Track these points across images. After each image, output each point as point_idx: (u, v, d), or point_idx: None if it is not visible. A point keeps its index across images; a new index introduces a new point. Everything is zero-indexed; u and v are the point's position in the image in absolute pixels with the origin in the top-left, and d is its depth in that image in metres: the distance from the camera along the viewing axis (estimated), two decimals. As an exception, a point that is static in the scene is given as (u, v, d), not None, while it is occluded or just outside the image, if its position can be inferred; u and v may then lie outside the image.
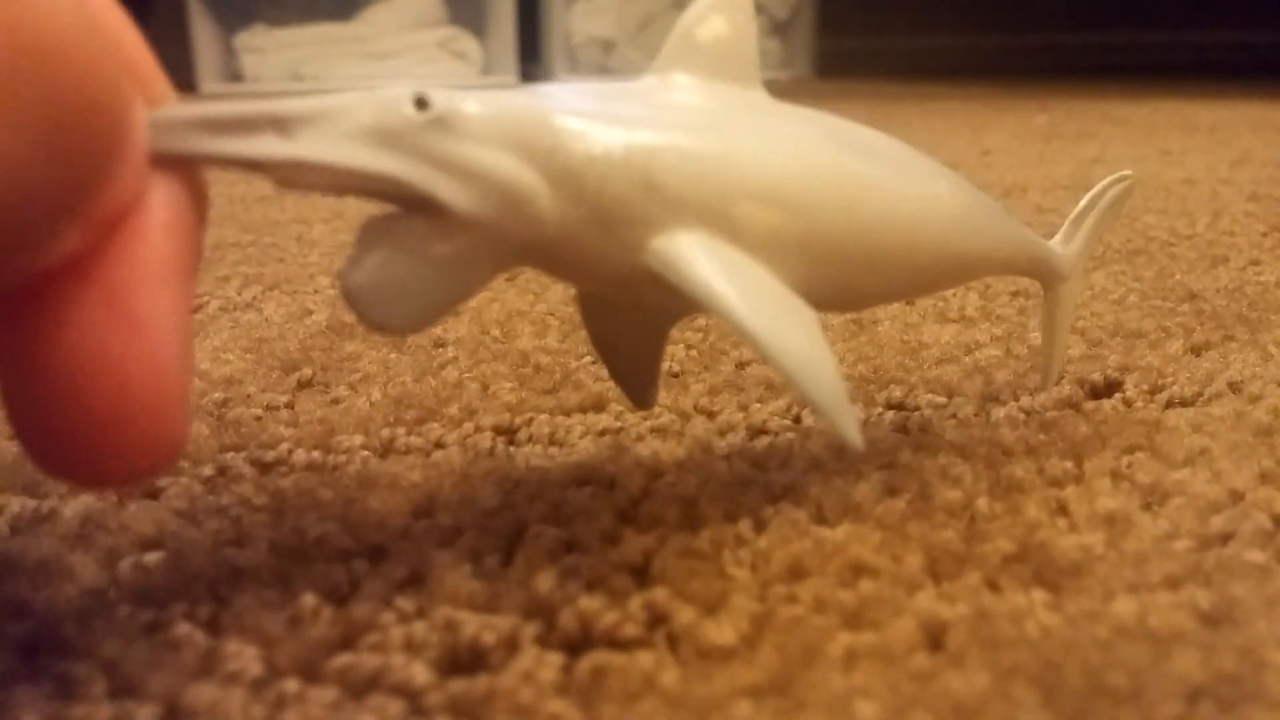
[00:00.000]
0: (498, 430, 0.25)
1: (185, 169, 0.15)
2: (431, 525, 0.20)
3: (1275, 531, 0.20)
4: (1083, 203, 0.27)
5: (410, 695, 0.15)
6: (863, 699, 0.15)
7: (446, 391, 0.27)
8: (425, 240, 0.16)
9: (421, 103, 0.15)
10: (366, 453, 0.24)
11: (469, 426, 0.25)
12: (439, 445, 0.24)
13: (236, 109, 0.15)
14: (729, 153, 0.18)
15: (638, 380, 0.23)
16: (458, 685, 0.15)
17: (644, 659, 0.16)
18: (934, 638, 0.17)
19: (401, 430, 0.25)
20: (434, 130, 0.16)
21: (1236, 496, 0.21)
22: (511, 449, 0.24)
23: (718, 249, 0.17)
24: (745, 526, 0.20)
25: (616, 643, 0.16)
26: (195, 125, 0.15)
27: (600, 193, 0.16)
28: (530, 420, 0.25)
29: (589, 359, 0.30)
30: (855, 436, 0.17)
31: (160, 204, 0.15)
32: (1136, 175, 0.28)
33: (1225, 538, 0.20)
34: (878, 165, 0.20)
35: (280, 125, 0.15)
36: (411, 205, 0.16)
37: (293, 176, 0.15)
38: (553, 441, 0.24)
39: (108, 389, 0.14)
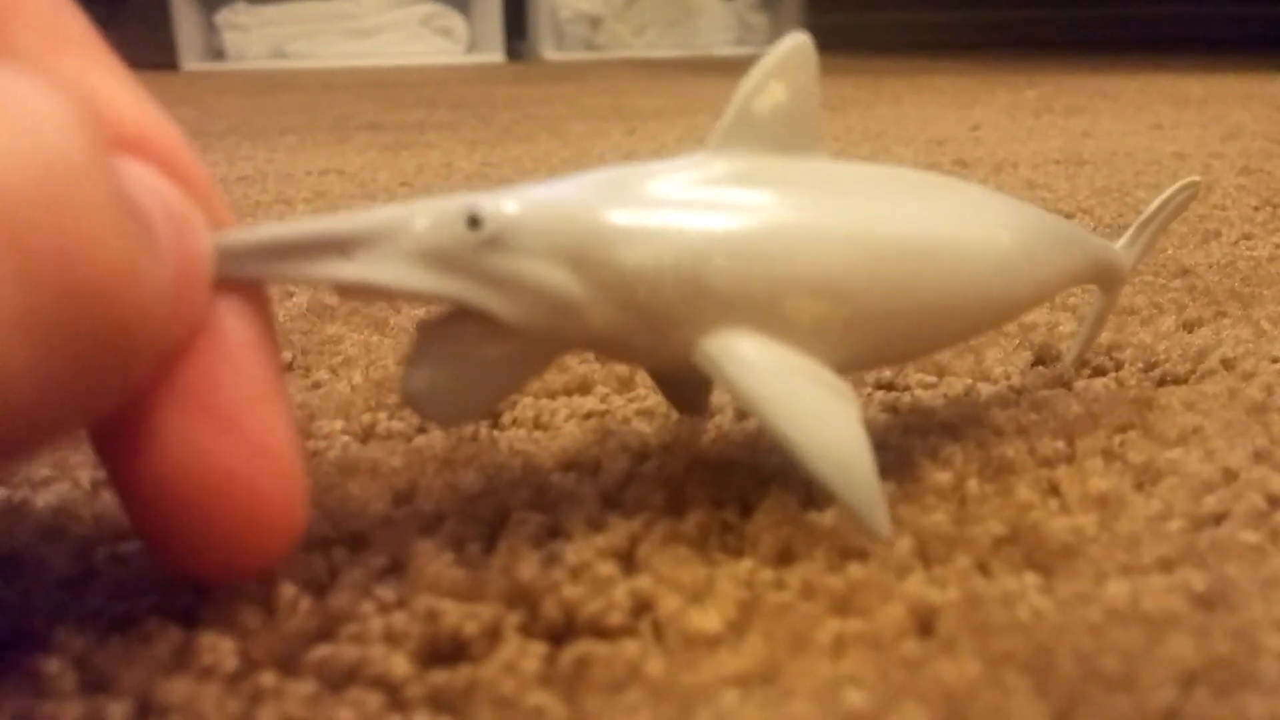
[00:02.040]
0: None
1: (251, 287, 0.16)
2: (413, 512, 0.20)
3: (1270, 511, 0.19)
4: (1153, 206, 0.26)
5: (390, 688, 0.15)
6: (852, 687, 0.15)
7: (429, 374, 0.27)
8: (479, 344, 0.17)
9: (475, 220, 0.16)
10: (347, 438, 0.23)
11: (452, 410, 0.25)
12: (421, 430, 0.24)
13: (297, 231, 0.16)
14: (780, 247, 0.18)
15: (690, 396, 0.23)
16: (438, 677, 0.15)
17: (629, 648, 0.16)
18: (924, 623, 0.16)
19: (383, 415, 0.24)
20: (487, 249, 0.16)
21: (1230, 476, 0.21)
22: (495, 433, 0.24)
23: (762, 347, 0.17)
24: (732, 511, 0.19)
25: (601, 631, 0.16)
26: (260, 251, 0.16)
27: (650, 301, 0.17)
28: (515, 404, 0.25)
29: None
30: (883, 529, 0.17)
31: (237, 325, 0.16)
32: (1126, 149, 0.28)
33: (1219, 518, 0.19)
34: (938, 226, 0.19)
35: (341, 247, 0.16)
36: (466, 309, 0.17)
37: (356, 293, 0.16)
38: (537, 425, 0.24)
39: (242, 503, 0.15)
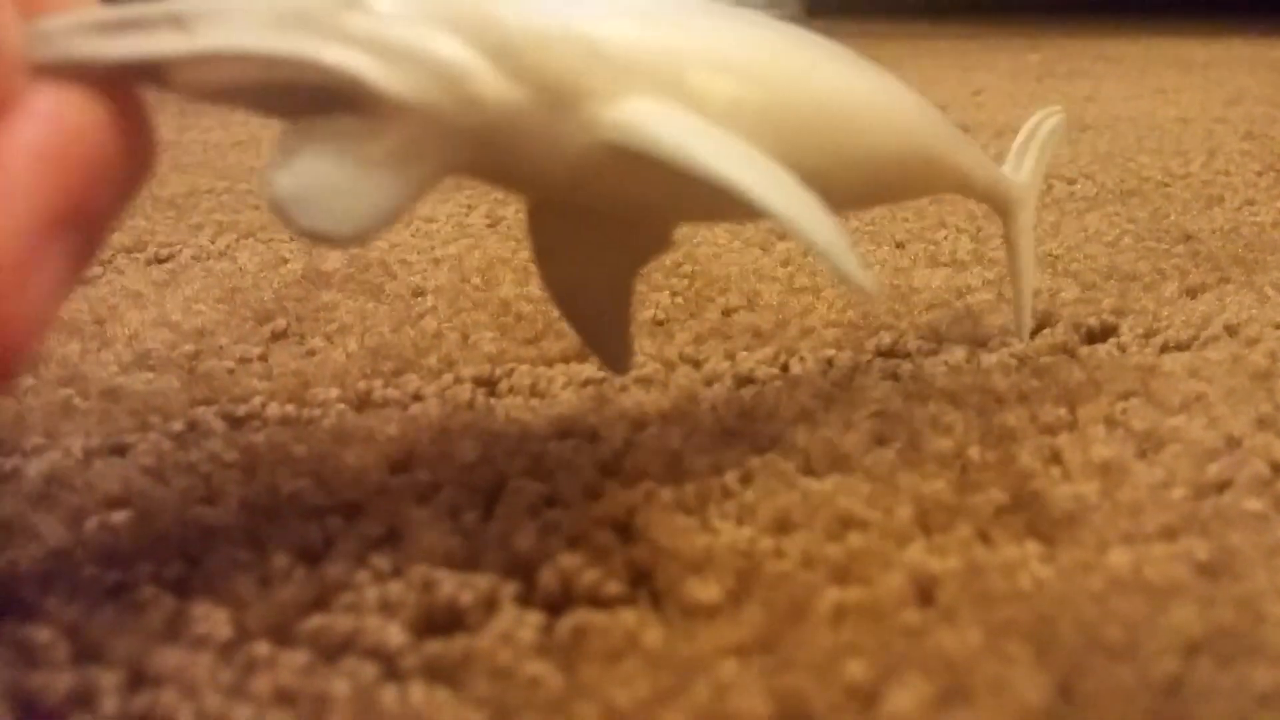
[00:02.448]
0: (478, 382, 0.24)
1: (101, 98, 0.14)
2: (409, 481, 0.19)
3: (1273, 478, 0.19)
4: (1021, 135, 0.26)
5: (385, 657, 0.15)
6: (852, 656, 0.14)
7: (425, 342, 0.27)
8: (356, 137, 0.14)
9: None
10: (342, 406, 0.23)
11: (448, 378, 0.24)
12: (417, 398, 0.24)
13: (129, 10, 0.14)
14: (680, 23, 0.17)
15: (607, 338, 0.21)
16: (434, 646, 0.15)
17: (626, 618, 0.15)
18: (924, 592, 0.16)
19: (378, 382, 0.24)
20: (352, 11, 0.14)
21: (1234, 443, 0.21)
22: (492, 401, 0.24)
23: (678, 113, 0.16)
24: (731, 479, 0.19)
25: (598, 601, 0.16)
26: (83, 29, 0.14)
27: (543, 65, 0.15)
28: (511, 371, 0.25)
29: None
30: (863, 276, 0.15)
31: (31, 128, 0.13)
32: (1129, 114, 0.28)
33: (1222, 485, 0.19)
34: (834, 58, 0.19)
35: (179, 22, 0.14)
36: (337, 104, 0.14)
37: (199, 78, 0.14)
38: (534, 393, 0.24)
39: None
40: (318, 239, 0.14)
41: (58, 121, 0.13)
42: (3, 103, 0.13)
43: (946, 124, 0.22)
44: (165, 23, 0.14)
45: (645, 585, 0.16)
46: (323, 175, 0.14)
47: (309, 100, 0.14)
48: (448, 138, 0.15)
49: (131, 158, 0.14)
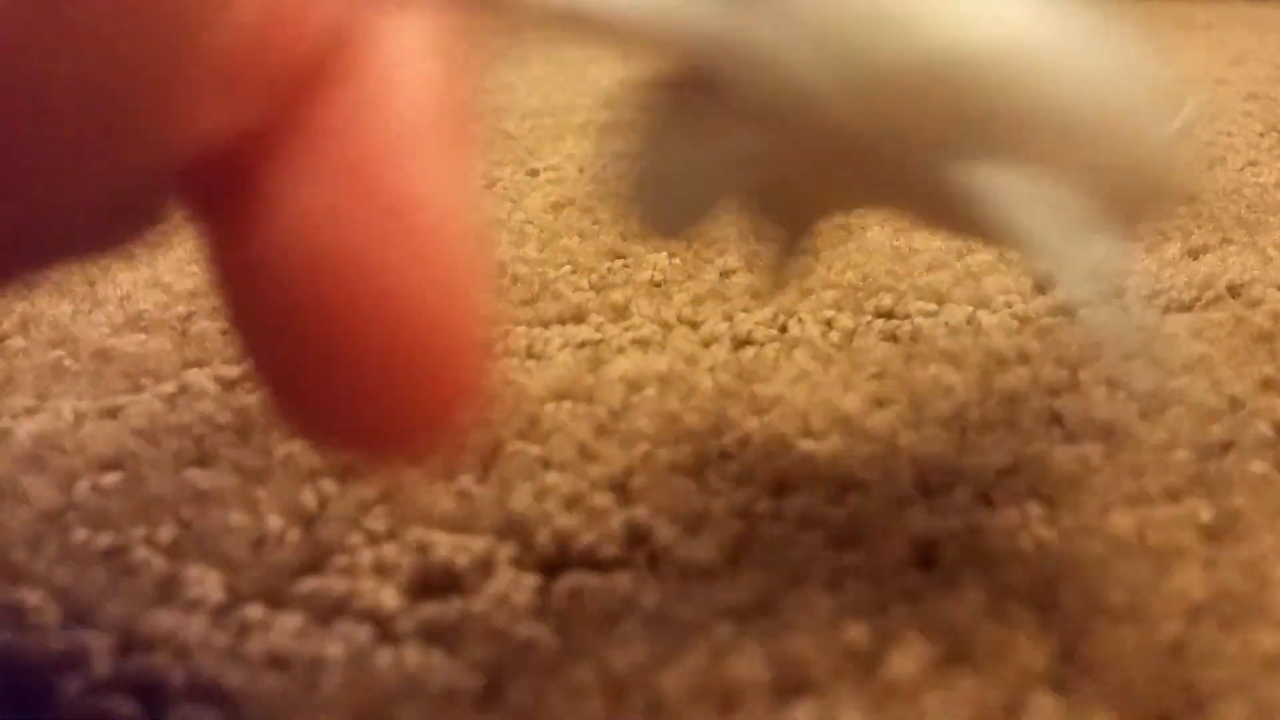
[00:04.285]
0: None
1: None
2: (403, 442, 0.19)
3: (1277, 440, 0.19)
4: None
5: (379, 620, 0.15)
6: (851, 620, 0.14)
7: (420, 303, 0.26)
8: (708, 135, 0.13)
9: None
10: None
11: (443, 339, 0.24)
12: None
13: None
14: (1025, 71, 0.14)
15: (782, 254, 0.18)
16: (429, 609, 0.15)
17: (623, 580, 0.15)
18: (925, 555, 0.16)
19: (372, 343, 0.24)
20: None
21: (1237, 404, 0.20)
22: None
23: (1019, 182, 0.14)
24: (729, 441, 0.19)
25: (595, 563, 0.16)
26: None
27: (898, 105, 0.13)
28: (507, 333, 0.25)
29: (568, 269, 0.29)
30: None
31: (400, 45, 0.10)
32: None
33: (1226, 447, 0.19)
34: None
35: None
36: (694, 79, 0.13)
37: (558, 24, 0.12)
38: (530, 354, 0.24)
39: (364, 301, 0.10)
40: (660, 234, 0.14)
41: (423, 34, 0.10)
42: (348, 25, 0.10)
43: None
44: None
45: (642, 547, 0.16)
46: (673, 173, 0.13)
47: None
48: (783, 146, 0.14)
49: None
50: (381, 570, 0.16)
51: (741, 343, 0.24)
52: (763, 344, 0.24)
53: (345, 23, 0.10)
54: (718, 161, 0.13)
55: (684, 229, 0.14)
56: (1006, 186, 0.14)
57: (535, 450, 0.19)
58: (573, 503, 0.17)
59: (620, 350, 0.24)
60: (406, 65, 0.10)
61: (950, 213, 0.14)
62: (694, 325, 0.25)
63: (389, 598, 0.15)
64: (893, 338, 0.24)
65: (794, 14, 0.13)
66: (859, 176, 0.15)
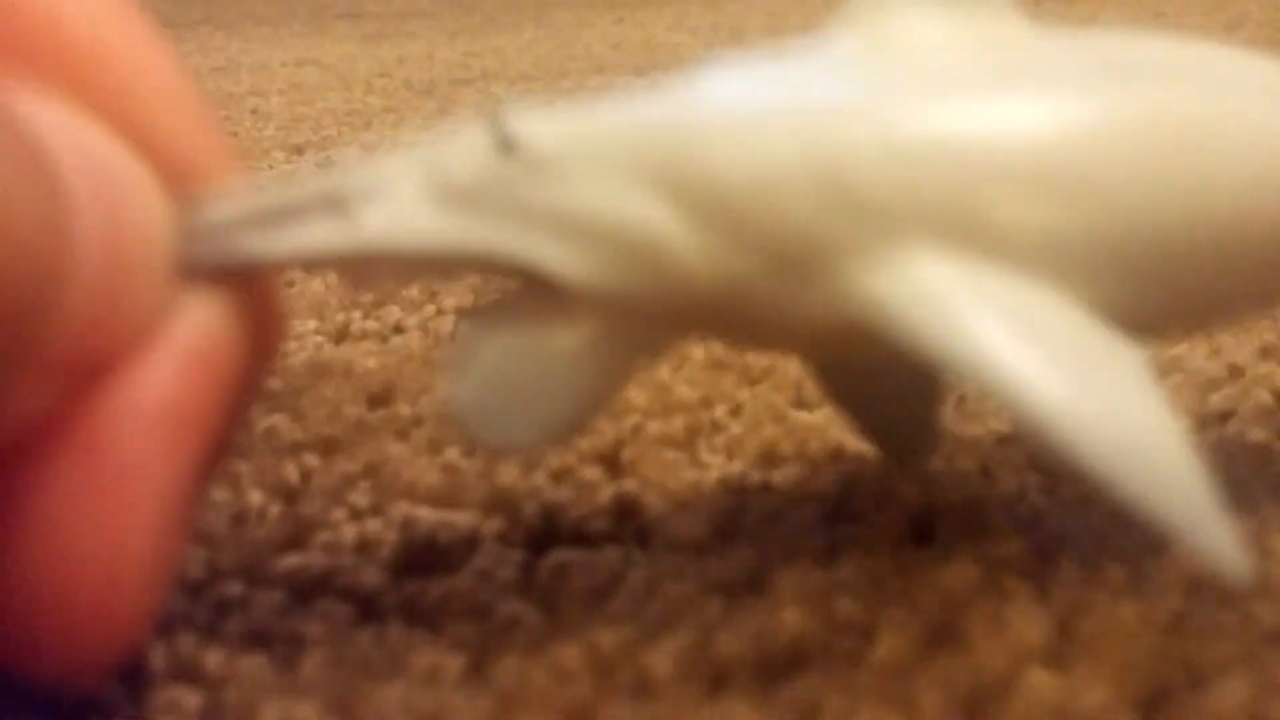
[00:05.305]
0: (461, 313, 0.24)
1: (243, 300, 0.12)
2: (388, 415, 0.19)
3: (1277, 409, 0.19)
4: None
5: (362, 598, 0.14)
6: (845, 595, 0.14)
7: (407, 272, 0.26)
8: (542, 327, 0.12)
9: (506, 144, 0.12)
10: (320, 338, 0.23)
11: (430, 309, 0.24)
12: (398, 329, 0.23)
13: (279, 195, 0.12)
14: (968, 120, 0.12)
15: (904, 434, 0.16)
16: (413, 586, 0.15)
17: (612, 555, 0.15)
18: (920, 527, 0.16)
19: (357, 314, 0.24)
20: (530, 179, 0.12)
21: (1237, 372, 0.20)
22: (475, 332, 0.23)
23: (968, 276, 0.11)
24: (721, 412, 0.19)
25: (583, 538, 0.16)
26: (238, 223, 0.12)
27: (774, 225, 0.11)
28: (495, 302, 0.24)
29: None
30: (1235, 560, 0.11)
31: (173, 373, 0.11)
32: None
33: (1225, 416, 0.19)
34: (1214, 98, 0.13)
35: (337, 205, 0.12)
36: (517, 281, 0.12)
37: (363, 269, 0.12)
38: (518, 324, 0.23)
39: (58, 559, 0.11)
40: (501, 451, 0.13)
41: (207, 357, 0.11)
42: (138, 322, 0.11)
43: None
44: (322, 206, 0.12)
45: (631, 522, 0.16)
46: (505, 381, 0.12)
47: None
48: (651, 320, 0.12)
49: (268, 358, 0.13)
50: (364, 547, 0.15)
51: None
52: (755, 313, 0.24)
53: (142, 323, 0.11)
54: (559, 367, 0.12)
55: (532, 441, 0.13)
56: (926, 282, 0.11)
57: (522, 422, 0.18)
58: (561, 476, 0.17)
59: (610, 320, 0.23)
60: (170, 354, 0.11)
61: (880, 342, 0.12)
62: (685, 294, 0.25)
63: (372, 575, 0.15)
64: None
65: (596, 169, 0.12)
66: (749, 331, 0.13)
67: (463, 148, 0.12)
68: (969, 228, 0.11)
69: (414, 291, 0.25)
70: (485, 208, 0.12)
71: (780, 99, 0.12)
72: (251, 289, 0.12)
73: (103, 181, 0.11)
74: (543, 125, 0.12)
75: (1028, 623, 0.13)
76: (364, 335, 0.23)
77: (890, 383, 0.15)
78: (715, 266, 0.12)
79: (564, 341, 0.12)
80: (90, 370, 0.11)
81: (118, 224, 0.11)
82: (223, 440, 0.12)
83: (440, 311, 0.24)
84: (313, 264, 0.13)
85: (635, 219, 0.11)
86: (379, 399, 0.20)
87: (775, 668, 0.13)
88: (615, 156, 0.12)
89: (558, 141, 0.12)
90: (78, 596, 0.11)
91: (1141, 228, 0.12)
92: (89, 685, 0.12)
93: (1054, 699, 0.12)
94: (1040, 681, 0.12)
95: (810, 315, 0.12)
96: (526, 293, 0.12)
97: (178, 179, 0.12)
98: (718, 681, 0.13)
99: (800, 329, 0.12)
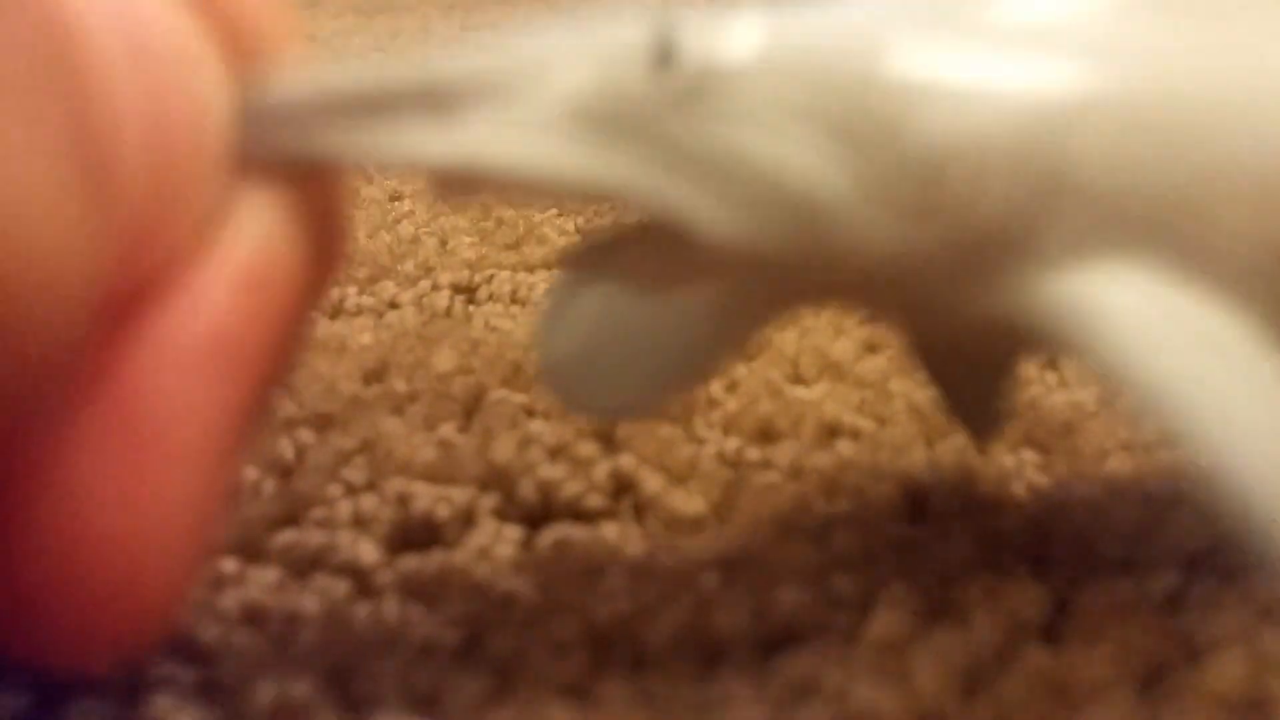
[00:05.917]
0: (456, 288, 0.24)
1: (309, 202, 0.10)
2: (383, 391, 0.19)
3: (1276, 385, 0.19)
4: None
5: (358, 574, 0.14)
6: (840, 571, 0.14)
7: (402, 247, 0.26)
8: (658, 282, 0.10)
9: (666, 56, 0.10)
10: (314, 314, 0.23)
11: (425, 285, 0.24)
12: (393, 305, 0.23)
13: (372, 79, 0.10)
14: (1200, 125, 0.10)
15: (975, 408, 0.15)
16: (409, 562, 0.15)
17: (608, 531, 0.15)
18: (916, 503, 0.16)
19: (352, 289, 0.23)
20: (685, 107, 0.10)
21: None
22: (470, 308, 0.23)
23: (1162, 297, 0.10)
24: (717, 388, 0.19)
25: (579, 514, 0.16)
26: (314, 110, 0.10)
27: (972, 205, 0.10)
28: (491, 277, 0.24)
29: (554, 212, 0.28)
30: None
31: (223, 256, 0.09)
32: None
33: None
34: None
35: (438, 102, 0.09)
36: (639, 223, 0.10)
37: (459, 183, 0.10)
38: (514, 300, 0.23)
39: (80, 533, 0.09)
40: (593, 415, 0.11)
41: (265, 276, 0.09)
42: (192, 248, 0.09)
43: None
44: (420, 102, 0.10)
45: (628, 497, 0.16)
46: (609, 335, 0.11)
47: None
48: (788, 284, 0.11)
49: (329, 277, 0.11)
50: (360, 523, 0.15)
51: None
52: (752, 288, 0.24)
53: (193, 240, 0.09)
54: (669, 327, 0.11)
55: (627, 409, 0.11)
56: (1116, 303, 0.10)
57: (519, 398, 0.18)
58: (557, 452, 0.17)
59: (607, 295, 0.23)
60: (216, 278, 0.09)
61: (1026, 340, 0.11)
62: (682, 269, 0.25)
63: (367, 551, 0.15)
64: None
65: (769, 109, 0.10)
66: (901, 310, 0.12)
67: (607, 50, 0.10)
68: (1184, 247, 0.10)
69: (409, 267, 0.25)
70: (624, 134, 0.10)
71: (1004, 68, 0.10)
72: (316, 190, 0.10)
73: (144, 47, 0.08)
74: (718, 40, 0.10)
75: (1025, 599, 0.13)
76: (359, 311, 0.23)
77: (979, 360, 0.15)
78: (889, 241, 0.10)
79: (682, 298, 0.11)
80: (129, 298, 0.09)
81: (163, 101, 0.08)
82: (276, 377, 0.10)
83: (436, 287, 0.24)
84: (402, 169, 0.11)
85: (807, 174, 0.10)
86: (374, 374, 0.20)
87: (771, 643, 0.13)
88: (796, 98, 0.10)
89: (731, 65, 0.10)
90: (99, 577, 0.09)
91: None
92: (101, 671, 0.11)
93: (1051, 675, 0.12)
94: (1037, 657, 0.12)
95: (976, 303, 0.11)
96: (643, 236, 0.10)
97: (239, 47, 0.09)
98: (714, 657, 0.13)
99: (957, 314, 0.11)
